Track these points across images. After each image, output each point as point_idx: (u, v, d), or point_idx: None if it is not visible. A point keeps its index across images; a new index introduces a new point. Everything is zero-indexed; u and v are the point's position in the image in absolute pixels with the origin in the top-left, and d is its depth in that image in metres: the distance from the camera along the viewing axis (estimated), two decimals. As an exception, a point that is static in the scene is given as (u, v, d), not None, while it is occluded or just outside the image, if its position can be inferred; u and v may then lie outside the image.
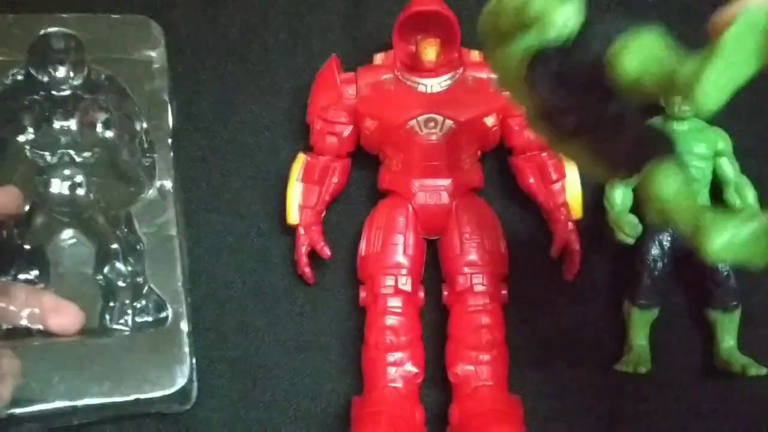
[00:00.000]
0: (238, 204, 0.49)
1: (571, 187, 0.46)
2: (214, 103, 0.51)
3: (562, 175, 0.46)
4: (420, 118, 0.45)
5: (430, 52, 0.45)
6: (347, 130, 0.47)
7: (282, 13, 0.53)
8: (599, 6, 0.52)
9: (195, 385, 0.45)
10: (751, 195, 0.46)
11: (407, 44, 0.47)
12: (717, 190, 0.47)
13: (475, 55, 0.48)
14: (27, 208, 0.45)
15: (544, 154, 0.47)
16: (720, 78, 0.23)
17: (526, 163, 0.47)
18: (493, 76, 0.47)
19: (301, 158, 0.47)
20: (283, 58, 0.52)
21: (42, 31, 0.47)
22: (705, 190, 0.46)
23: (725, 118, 0.47)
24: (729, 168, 0.47)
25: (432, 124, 0.45)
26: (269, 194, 0.49)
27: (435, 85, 0.46)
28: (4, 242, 0.45)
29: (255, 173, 0.50)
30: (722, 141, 0.47)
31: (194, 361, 0.44)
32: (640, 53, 0.25)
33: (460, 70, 0.46)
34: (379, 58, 0.48)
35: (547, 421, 0.45)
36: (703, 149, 0.46)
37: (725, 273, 0.45)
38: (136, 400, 0.42)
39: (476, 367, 0.43)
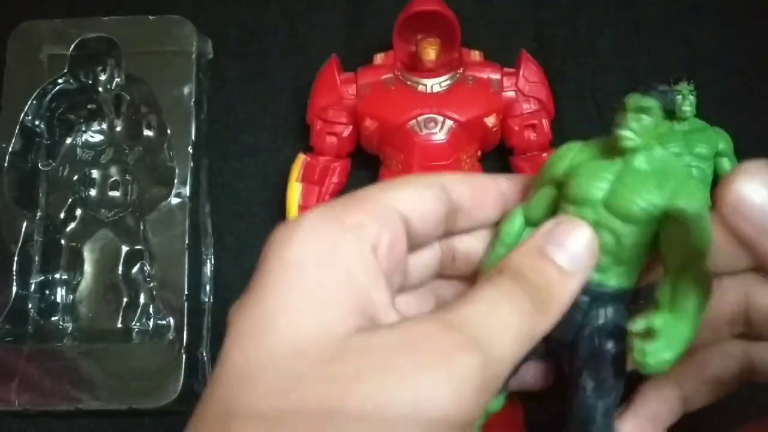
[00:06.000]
0: (237, 205, 0.49)
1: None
2: (213, 103, 0.51)
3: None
4: (420, 119, 0.45)
5: (430, 52, 0.45)
6: (347, 131, 0.47)
7: (282, 13, 0.53)
8: (599, 6, 0.53)
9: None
10: (752, 195, 0.46)
11: (407, 44, 0.47)
12: (718, 190, 0.47)
13: (475, 55, 0.48)
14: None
15: (544, 155, 0.47)
16: None
17: (527, 163, 0.47)
18: (494, 76, 0.47)
19: (301, 158, 0.47)
20: (283, 58, 0.52)
21: (81, 37, 0.48)
22: (706, 191, 0.46)
23: (726, 118, 0.48)
24: (730, 168, 0.47)
25: (432, 124, 0.45)
26: (269, 194, 0.49)
27: (435, 85, 0.46)
28: (49, 242, 0.47)
29: (255, 173, 0.50)
30: (723, 141, 0.46)
31: (208, 360, 0.45)
32: None
33: (461, 70, 0.46)
34: (379, 58, 0.48)
35: (545, 422, 0.45)
36: (704, 149, 0.46)
37: None
38: (130, 409, 0.42)
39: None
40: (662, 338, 0.24)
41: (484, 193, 0.28)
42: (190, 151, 0.46)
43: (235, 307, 0.22)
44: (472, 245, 0.29)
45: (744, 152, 0.47)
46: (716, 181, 0.47)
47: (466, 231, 0.28)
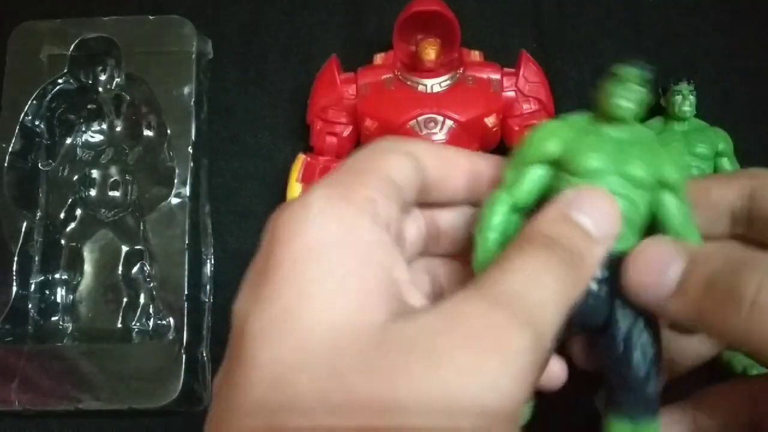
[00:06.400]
0: (237, 205, 0.49)
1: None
2: (213, 103, 0.51)
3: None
4: (420, 119, 0.45)
5: (430, 52, 0.45)
6: (347, 131, 0.47)
7: (282, 13, 0.53)
8: (599, 6, 0.53)
9: (208, 386, 0.45)
10: (752, 195, 0.46)
11: (407, 44, 0.47)
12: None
13: (475, 55, 0.48)
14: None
15: (544, 155, 0.47)
16: None
17: (527, 164, 0.47)
18: (494, 76, 0.47)
19: (301, 158, 0.47)
20: (283, 58, 0.52)
21: (81, 37, 0.48)
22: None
23: (726, 118, 0.48)
24: (730, 168, 0.47)
25: (432, 124, 0.45)
26: (269, 194, 0.49)
27: (435, 85, 0.46)
28: (49, 242, 0.47)
29: (255, 173, 0.50)
30: (723, 141, 0.46)
31: (208, 360, 0.45)
32: None
33: (461, 71, 0.46)
34: (379, 58, 0.48)
35: (544, 419, 0.45)
36: (704, 149, 0.46)
37: None
38: (130, 409, 0.42)
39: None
40: None
41: (453, 166, 0.27)
42: (190, 151, 0.46)
43: (245, 302, 0.20)
44: (455, 223, 0.28)
45: (744, 152, 0.47)
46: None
47: (438, 204, 0.27)
